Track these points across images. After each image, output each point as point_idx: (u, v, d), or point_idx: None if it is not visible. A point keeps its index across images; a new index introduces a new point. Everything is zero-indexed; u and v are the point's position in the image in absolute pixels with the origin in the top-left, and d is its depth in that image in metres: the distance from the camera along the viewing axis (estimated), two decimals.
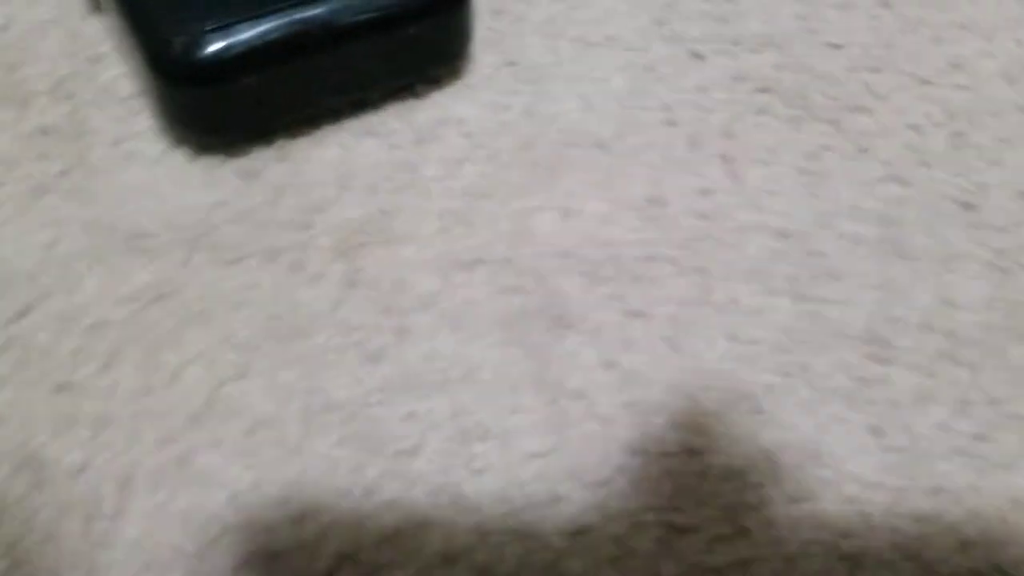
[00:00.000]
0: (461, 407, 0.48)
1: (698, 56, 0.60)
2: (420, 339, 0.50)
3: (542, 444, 0.47)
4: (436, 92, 0.58)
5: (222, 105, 0.54)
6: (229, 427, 0.47)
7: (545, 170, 0.55)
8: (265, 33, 0.52)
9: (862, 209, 0.54)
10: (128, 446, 0.46)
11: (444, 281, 0.51)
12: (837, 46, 0.61)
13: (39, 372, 0.48)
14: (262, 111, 0.55)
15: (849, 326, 0.50)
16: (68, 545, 0.44)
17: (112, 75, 0.57)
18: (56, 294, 0.50)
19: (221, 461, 0.46)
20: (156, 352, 0.49)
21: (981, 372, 0.49)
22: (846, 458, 0.47)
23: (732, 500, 0.46)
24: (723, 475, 0.46)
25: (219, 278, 0.51)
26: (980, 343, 0.50)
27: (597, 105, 0.58)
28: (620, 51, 0.60)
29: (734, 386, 0.48)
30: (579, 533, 0.45)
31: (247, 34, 0.52)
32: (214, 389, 0.48)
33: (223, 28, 0.52)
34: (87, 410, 0.47)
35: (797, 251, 0.53)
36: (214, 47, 0.51)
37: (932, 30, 0.62)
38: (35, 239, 0.52)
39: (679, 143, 0.56)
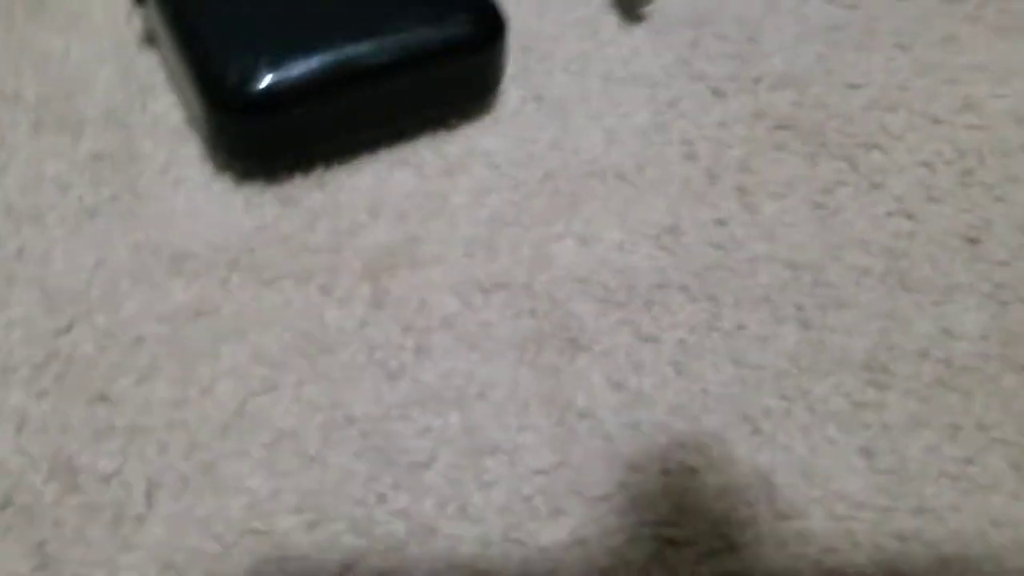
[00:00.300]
0: (474, 423, 0.49)
1: (720, 94, 0.61)
2: (439, 358, 0.51)
3: (548, 460, 0.48)
4: (466, 125, 0.59)
5: (271, 134, 0.56)
6: (254, 438, 0.48)
7: (567, 200, 0.56)
8: (316, 67, 0.54)
9: (871, 242, 0.55)
10: (158, 454, 0.48)
11: (464, 303, 0.52)
12: (855, 86, 0.61)
13: (79, 384, 0.49)
14: (307, 141, 0.56)
15: (851, 353, 0.51)
16: (94, 546, 0.45)
17: (163, 105, 0.59)
18: (100, 311, 0.52)
19: (244, 470, 0.47)
20: (191, 366, 0.50)
21: (973, 399, 0.50)
22: (837, 478, 0.47)
23: (725, 516, 0.46)
24: (718, 493, 0.47)
25: (254, 298, 0.52)
26: (975, 371, 0.50)
27: (620, 139, 0.59)
28: (645, 88, 0.61)
29: (736, 409, 0.49)
30: (578, 544, 0.45)
31: (299, 68, 0.54)
32: (243, 402, 0.49)
33: (276, 62, 0.53)
34: (122, 420, 0.48)
35: (806, 281, 0.53)
36: (267, 80, 0.53)
37: (947, 72, 0.62)
38: (84, 259, 0.53)
39: (698, 176, 0.57)
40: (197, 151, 0.57)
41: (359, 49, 0.54)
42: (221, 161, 0.56)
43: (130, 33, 0.61)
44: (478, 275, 0.53)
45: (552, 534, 0.46)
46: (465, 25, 0.56)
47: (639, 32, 0.63)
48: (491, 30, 0.57)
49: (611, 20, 0.64)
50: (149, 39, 0.60)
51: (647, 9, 0.64)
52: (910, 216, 0.55)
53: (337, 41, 0.54)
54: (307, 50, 0.54)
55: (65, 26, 0.62)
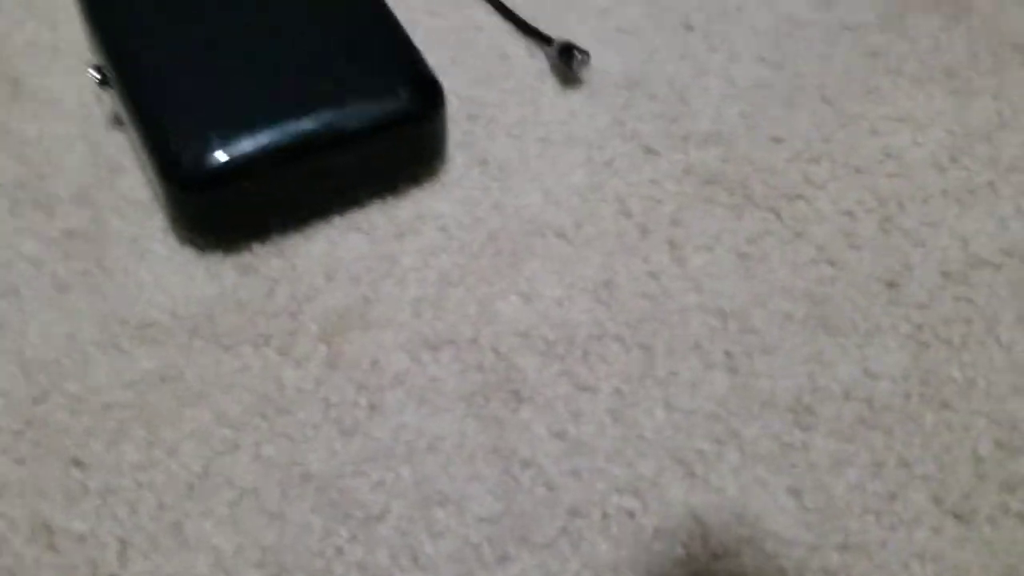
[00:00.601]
0: (424, 476, 0.49)
1: (652, 152, 0.62)
2: (390, 414, 0.51)
3: (494, 509, 0.49)
4: (416, 189, 0.60)
5: (226, 208, 0.57)
6: (218, 497, 0.49)
7: (510, 259, 0.57)
8: (266, 144, 0.55)
9: (794, 289, 0.56)
10: (129, 515, 0.48)
11: (414, 361, 0.53)
12: (779, 140, 0.62)
13: (54, 449, 0.50)
14: (261, 212, 0.57)
15: (777, 396, 0.52)
16: None
17: (130, 183, 0.60)
18: (73, 379, 0.52)
19: (210, 528, 0.48)
20: (157, 430, 0.51)
21: (896, 437, 0.51)
22: (767, 517, 0.48)
23: (659, 557, 0.47)
24: (653, 534, 0.48)
25: (216, 362, 0.53)
26: (897, 410, 0.51)
27: (559, 198, 0.60)
28: (581, 149, 0.62)
29: (670, 453, 0.50)
30: None
31: (249, 145, 0.55)
32: (207, 463, 0.50)
33: (227, 140, 0.54)
34: (94, 483, 0.49)
35: (734, 328, 0.54)
36: (219, 157, 0.54)
37: (869, 123, 0.63)
38: (57, 330, 0.54)
39: (631, 231, 0.58)
40: (161, 225, 0.58)
41: (305, 125, 0.55)
42: (183, 234, 0.57)
43: (99, 115, 0.62)
44: (427, 333, 0.54)
45: None
46: (405, 99, 0.57)
47: (576, 96, 0.64)
48: (430, 102, 0.58)
49: (550, 85, 0.65)
50: (116, 120, 0.61)
51: (583, 73, 0.65)
52: (832, 263, 0.56)
53: (284, 118, 0.55)
54: (256, 127, 0.55)
55: (39, 112, 0.63)
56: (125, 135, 0.61)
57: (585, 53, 0.64)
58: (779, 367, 0.53)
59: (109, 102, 0.61)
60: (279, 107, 0.55)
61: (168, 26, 0.58)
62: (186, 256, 0.57)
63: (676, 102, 0.64)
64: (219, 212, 0.56)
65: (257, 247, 0.57)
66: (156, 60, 0.57)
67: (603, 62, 0.66)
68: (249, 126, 0.55)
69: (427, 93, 0.58)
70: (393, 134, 0.58)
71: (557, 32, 0.66)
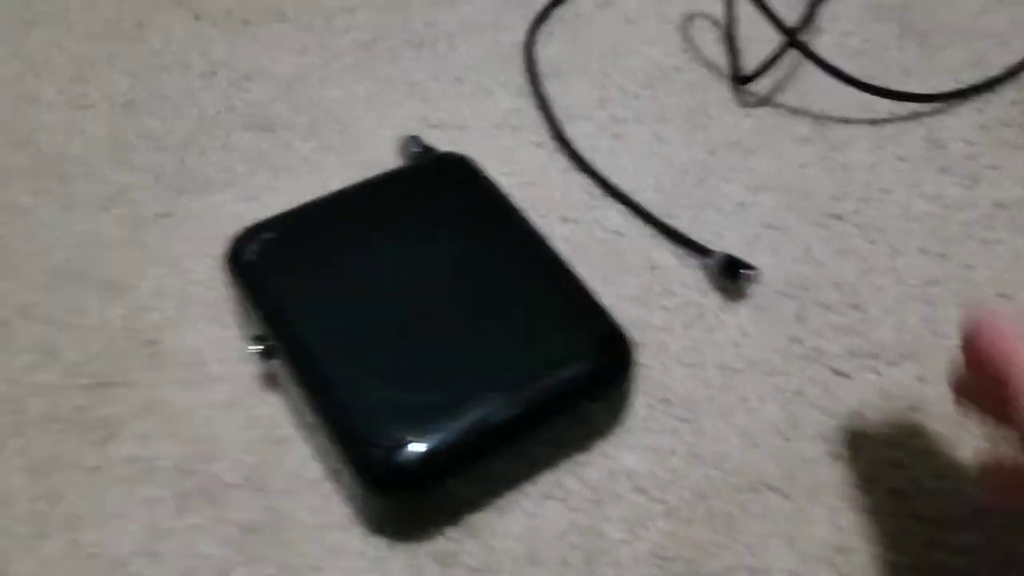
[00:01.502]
0: None
1: (842, 374, 0.52)
2: None
3: None
4: (600, 441, 0.51)
5: (420, 501, 0.47)
6: None
7: (724, 522, 0.48)
8: (457, 433, 0.45)
9: None
10: None
11: None
12: None
13: None
14: (455, 497, 0.48)
15: None
16: None
17: (298, 459, 0.50)
18: None
19: None
20: None
21: None
22: None
23: None
24: None
25: None
26: None
27: (758, 440, 0.50)
28: (765, 375, 0.52)
29: None
30: None
31: (442, 437, 0.45)
32: None
33: (420, 434, 0.45)
34: None
35: None
36: (414, 454, 0.45)
37: None
38: None
39: (850, 479, 0.48)
40: (343, 510, 0.48)
41: (500, 405, 0.46)
42: (373, 524, 0.47)
43: (247, 373, 0.52)
44: None
45: None
46: (599, 362, 0.49)
47: (742, 310, 0.55)
48: (624, 360, 0.49)
49: (712, 300, 0.56)
50: (270, 381, 0.51)
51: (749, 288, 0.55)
52: None
53: (477, 399, 0.46)
54: (450, 414, 0.45)
55: (183, 377, 0.53)
56: (280, 396, 0.51)
57: (753, 268, 0.54)
58: None
59: (261, 363, 0.50)
60: (470, 387, 0.46)
61: (340, 298, 0.49)
62: (379, 548, 0.47)
63: (850, 309, 0.55)
64: (414, 506, 0.47)
65: (450, 530, 0.47)
66: (332, 338, 0.48)
67: (758, 264, 0.56)
68: (443, 413, 0.46)
69: (620, 351, 0.49)
70: (588, 397, 0.48)
71: (697, 231, 0.57)
